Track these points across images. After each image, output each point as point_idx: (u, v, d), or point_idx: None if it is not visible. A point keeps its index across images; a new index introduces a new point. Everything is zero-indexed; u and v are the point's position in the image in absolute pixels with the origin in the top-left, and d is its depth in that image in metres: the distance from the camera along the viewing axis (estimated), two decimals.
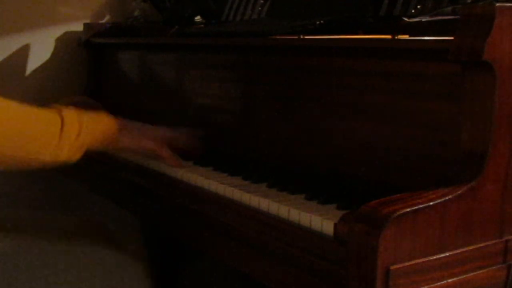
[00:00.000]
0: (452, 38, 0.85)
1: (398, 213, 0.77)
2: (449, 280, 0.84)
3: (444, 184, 0.84)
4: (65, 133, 1.12)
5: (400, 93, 1.00)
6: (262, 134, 1.28)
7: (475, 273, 0.86)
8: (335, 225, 0.86)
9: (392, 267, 0.78)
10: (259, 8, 1.54)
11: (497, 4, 0.82)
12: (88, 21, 1.96)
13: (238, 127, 1.34)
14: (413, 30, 1.03)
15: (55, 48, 1.94)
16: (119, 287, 1.18)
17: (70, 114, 1.15)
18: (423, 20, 1.05)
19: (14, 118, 1.09)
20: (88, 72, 1.95)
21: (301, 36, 1.17)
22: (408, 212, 0.78)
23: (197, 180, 1.18)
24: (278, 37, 1.23)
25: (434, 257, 0.82)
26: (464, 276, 0.85)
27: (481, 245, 0.87)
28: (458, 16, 0.86)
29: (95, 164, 1.43)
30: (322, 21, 1.18)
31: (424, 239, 0.81)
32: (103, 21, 1.99)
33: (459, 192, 0.83)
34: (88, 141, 1.16)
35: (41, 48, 1.92)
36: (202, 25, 1.72)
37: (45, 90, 1.92)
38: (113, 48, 1.87)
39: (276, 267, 0.96)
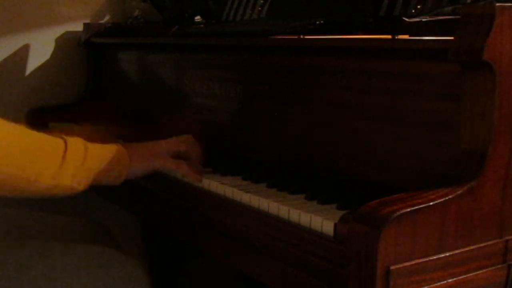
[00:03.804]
0: (452, 38, 0.85)
1: (398, 213, 0.77)
2: (449, 280, 0.84)
3: (444, 184, 0.84)
4: (69, 156, 1.08)
5: (400, 93, 1.00)
6: (262, 134, 1.28)
7: (475, 273, 0.86)
8: (335, 225, 0.86)
9: (392, 267, 0.78)
10: (259, 8, 1.54)
11: (497, 4, 0.82)
12: (88, 21, 1.96)
13: (238, 127, 1.34)
14: (413, 30, 1.03)
15: (55, 48, 1.94)
16: (120, 287, 1.18)
17: (75, 139, 1.11)
18: (423, 20, 1.05)
19: (14, 139, 1.04)
20: (88, 72, 1.95)
21: (301, 36, 1.17)
22: (408, 212, 0.78)
23: None
24: (278, 37, 1.23)
25: (434, 257, 0.82)
26: (464, 276, 0.85)
27: (481, 245, 0.87)
28: (458, 16, 0.86)
29: None
30: (322, 21, 1.18)
31: (424, 239, 0.81)
32: (103, 21, 1.99)
33: (459, 192, 0.83)
34: (95, 168, 1.11)
35: (41, 48, 1.92)
36: (202, 25, 1.72)
37: (45, 90, 1.92)
38: (113, 48, 1.87)
39: (275, 267, 0.96)
